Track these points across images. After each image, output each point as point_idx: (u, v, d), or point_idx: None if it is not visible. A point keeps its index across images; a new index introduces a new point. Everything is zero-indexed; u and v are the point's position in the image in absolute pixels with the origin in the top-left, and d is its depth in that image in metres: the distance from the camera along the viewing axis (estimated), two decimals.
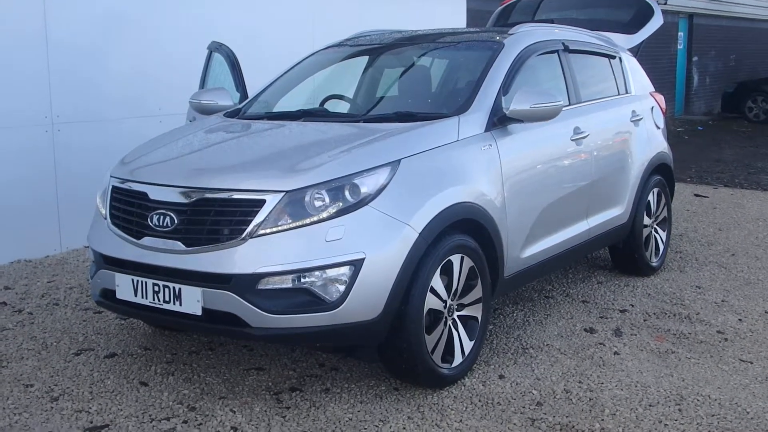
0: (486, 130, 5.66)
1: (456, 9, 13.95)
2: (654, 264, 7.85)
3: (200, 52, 8.08)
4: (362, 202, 4.78)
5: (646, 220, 7.70)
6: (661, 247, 8.01)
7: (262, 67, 8.21)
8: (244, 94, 7.25)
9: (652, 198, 7.75)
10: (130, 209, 5.12)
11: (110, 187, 5.35)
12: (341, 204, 4.74)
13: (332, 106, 6.74)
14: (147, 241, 4.93)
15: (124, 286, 5.02)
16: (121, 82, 9.05)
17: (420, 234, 4.86)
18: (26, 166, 8.30)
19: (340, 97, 6.91)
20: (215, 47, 7.82)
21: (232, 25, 9.99)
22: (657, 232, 7.96)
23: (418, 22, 10.45)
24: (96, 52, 8.82)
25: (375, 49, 7.15)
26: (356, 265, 4.66)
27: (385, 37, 7.19)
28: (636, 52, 8.39)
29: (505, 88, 5.93)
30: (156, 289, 4.86)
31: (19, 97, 8.23)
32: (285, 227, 4.67)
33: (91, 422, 4.79)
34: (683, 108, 25.41)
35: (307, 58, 7.20)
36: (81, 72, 8.68)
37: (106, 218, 5.30)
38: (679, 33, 24.48)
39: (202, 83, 7.99)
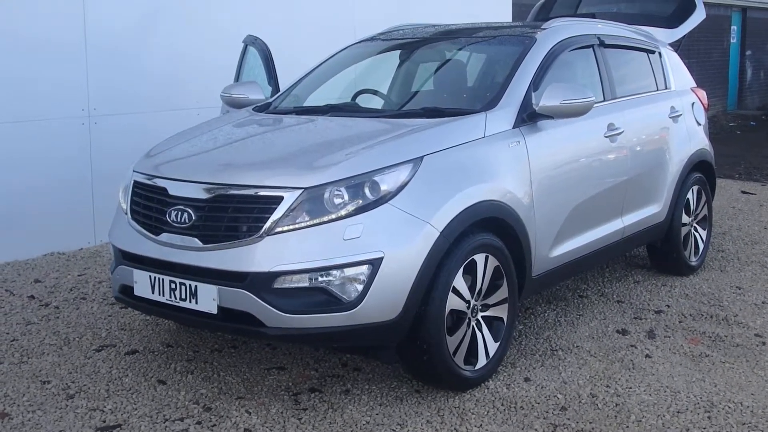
0: (514, 127, 5.55)
1: (501, 2, 13.81)
2: (693, 263, 7.68)
3: (238, 45, 8.04)
4: (382, 200, 4.68)
5: (685, 219, 7.53)
6: (701, 246, 7.84)
7: (300, 60, 8.13)
8: (276, 88, 7.20)
9: (691, 196, 7.58)
10: (149, 204, 5.08)
11: (132, 182, 5.31)
12: (360, 201, 4.65)
13: (365, 100, 6.65)
14: (165, 237, 4.88)
15: (141, 283, 4.97)
16: (159, 76, 9.05)
17: (441, 233, 4.75)
18: (62, 158, 8.32)
19: (374, 92, 6.82)
20: (250, 41, 7.78)
21: (270, 18, 9.96)
22: (697, 231, 7.79)
23: (461, 16, 10.34)
24: (133, 44, 8.83)
25: (407, 44, 7.05)
26: (374, 264, 4.56)
27: (418, 31, 7.10)
28: (678, 46, 8.22)
29: (535, 83, 5.81)
30: (173, 286, 4.81)
31: (57, 90, 8.24)
32: (303, 225, 4.58)
33: (104, 421, 4.73)
34: (736, 103, 25.01)
35: (339, 52, 7.14)
36: (118, 64, 8.68)
37: (126, 213, 5.26)
38: (732, 27, 24.09)
39: (237, 76, 7.97)
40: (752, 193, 11.86)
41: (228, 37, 9.09)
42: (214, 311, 4.66)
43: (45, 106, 8.17)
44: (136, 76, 8.85)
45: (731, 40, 24.18)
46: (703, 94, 8.10)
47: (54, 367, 5.49)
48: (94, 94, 8.49)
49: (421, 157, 4.90)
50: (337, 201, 4.63)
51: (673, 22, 8.25)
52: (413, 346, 4.84)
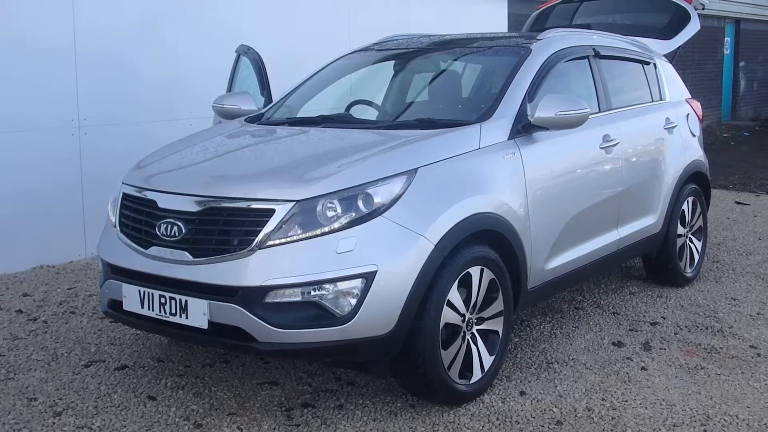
0: (509, 138, 5.50)
1: (497, 13, 13.80)
2: (688, 274, 7.65)
3: (230, 55, 7.99)
4: (375, 213, 4.62)
5: (681, 230, 7.50)
6: (696, 257, 7.81)
7: (294, 71, 8.08)
8: (268, 99, 7.14)
9: (686, 207, 7.56)
10: (139, 217, 5.01)
11: (120, 195, 5.24)
12: (354, 214, 4.59)
13: (359, 111, 6.59)
14: (154, 250, 4.80)
15: (131, 297, 4.89)
16: (151, 85, 8.99)
17: (436, 246, 4.68)
18: (52, 169, 8.24)
19: (368, 103, 6.79)
20: (243, 51, 7.73)
21: (264, 28, 9.90)
22: (692, 242, 7.75)
23: (457, 27, 10.30)
24: (125, 55, 8.77)
25: (401, 54, 7.01)
26: (368, 277, 4.50)
27: (412, 41, 7.06)
28: (672, 57, 8.20)
29: (530, 94, 5.76)
30: (162, 300, 4.73)
31: (46, 100, 8.17)
32: (295, 238, 4.52)
33: None
34: (730, 113, 25.01)
35: (333, 62, 7.08)
36: (109, 75, 8.62)
37: (115, 226, 5.18)
38: (726, 38, 24.10)
39: (230, 86, 7.91)
40: (747, 204, 11.83)
41: (221, 47, 9.03)
42: (205, 326, 4.59)
43: (34, 116, 8.09)
44: (127, 86, 8.79)
45: (725, 52, 24.19)
46: (697, 105, 8.08)
47: (41, 383, 5.40)
48: (84, 104, 8.42)
49: (416, 169, 4.84)
50: (330, 214, 4.57)
51: (667, 33, 8.24)
52: (407, 361, 4.77)
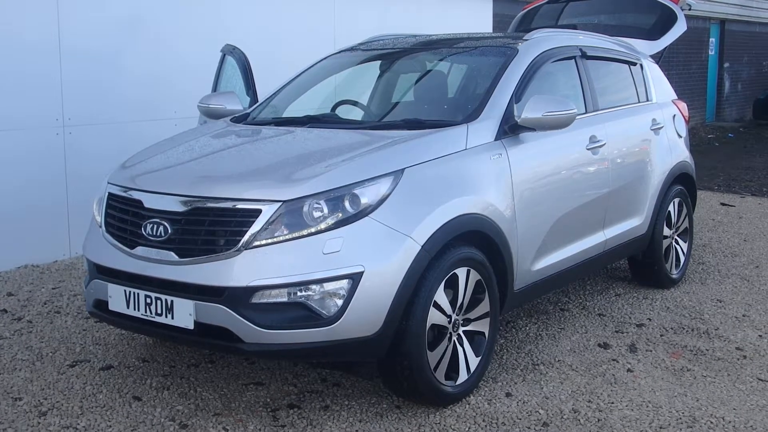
0: (496, 139, 5.49)
1: (482, 13, 13.80)
2: (674, 276, 7.65)
3: (216, 54, 7.96)
4: (362, 213, 4.60)
5: (666, 231, 7.51)
6: (682, 258, 7.81)
7: (280, 71, 8.06)
8: (254, 99, 7.11)
9: (672, 208, 7.56)
10: (124, 217, 4.98)
11: (106, 194, 5.21)
12: (340, 215, 4.57)
13: (345, 111, 6.57)
14: (140, 251, 4.78)
15: (116, 297, 4.87)
16: (135, 85, 8.95)
17: (422, 247, 4.67)
18: (36, 169, 8.20)
19: (354, 103, 6.76)
20: (228, 50, 7.69)
21: (250, 28, 9.89)
22: (678, 244, 7.76)
23: (442, 27, 10.31)
24: (109, 54, 8.73)
25: (387, 54, 6.99)
26: (354, 278, 4.48)
27: (398, 41, 7.04)
28: (659, 58, 8.20)
29: (517, 95, 5.76)
30: (148, 301, 4.71)
31: (30, 99, 8.12)
32: (281, 238, 4.50)
33: None
34: (714, 114, 25.10)
35: (318, 62, 7.06)
36: (94, 74, 8.58)
37: (101, 226, 5.16)
38: (711, 39, 24.17)
39: (215, 86, 7.87)
40: (731, 205, 11.86)
41: (207, 46, 9.01)
42: (191, 327, 4.57)
43: (17, 116, 8.04)
44: (112, 85, 8.76)
45: (709, 52, 24.27)
46: (683, 106, 8.08)
47: (26, 383, 5.37)
48: (68, 104, 8.38)
49: (402, 170, 4.83)
50: (317, 214, 4.55)
51: (654, 34, 8.24)
52: (394, 362, 4.76)
